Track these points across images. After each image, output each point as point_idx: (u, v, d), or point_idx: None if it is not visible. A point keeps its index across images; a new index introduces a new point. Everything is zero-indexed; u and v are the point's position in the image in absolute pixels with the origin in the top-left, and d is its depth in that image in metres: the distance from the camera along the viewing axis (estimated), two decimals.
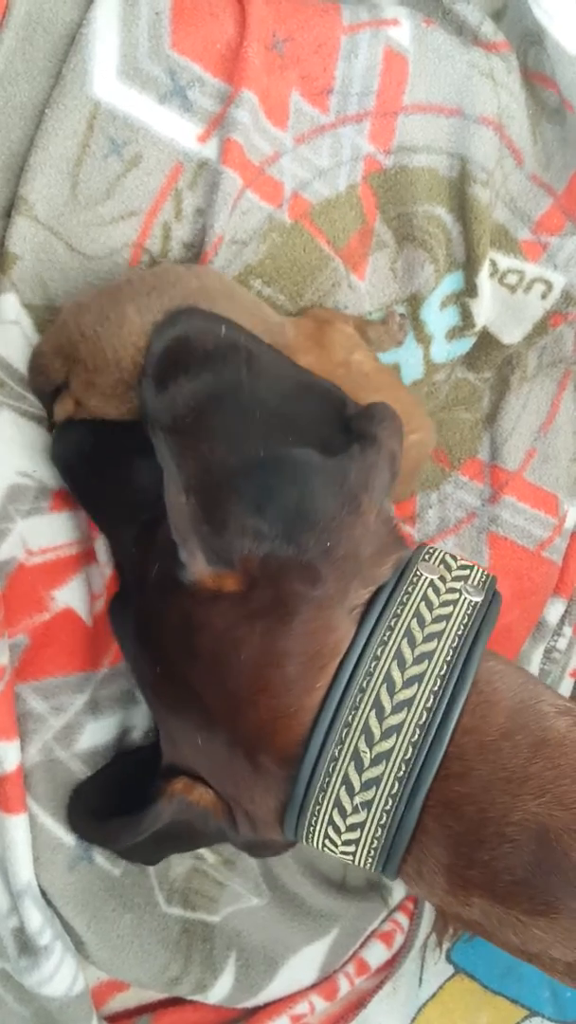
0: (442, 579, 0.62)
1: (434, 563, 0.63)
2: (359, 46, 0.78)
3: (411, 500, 0.94)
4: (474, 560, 0.91)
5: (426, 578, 0.62)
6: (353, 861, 0.60)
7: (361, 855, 0.59)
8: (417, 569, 0.62)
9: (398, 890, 0.91)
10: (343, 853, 0.60)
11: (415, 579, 0.61)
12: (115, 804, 0.71)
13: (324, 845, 0.60)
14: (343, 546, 0.59)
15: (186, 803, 0.64)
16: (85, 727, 0.75)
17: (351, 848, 0.59)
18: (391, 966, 0.89)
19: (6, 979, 0.74)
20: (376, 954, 0.88)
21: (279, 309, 0.80)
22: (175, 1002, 0.81)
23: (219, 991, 0.80)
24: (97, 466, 0.74)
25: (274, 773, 0.59)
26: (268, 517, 0.58)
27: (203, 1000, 0.80)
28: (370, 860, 0.59)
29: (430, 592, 0.61)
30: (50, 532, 0.78)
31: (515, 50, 0.83)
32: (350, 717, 0.57)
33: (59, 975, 0.72)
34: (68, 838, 0.74)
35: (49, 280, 0.76)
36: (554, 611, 0.96)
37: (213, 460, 0.62)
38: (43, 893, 0.73)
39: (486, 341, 0.90)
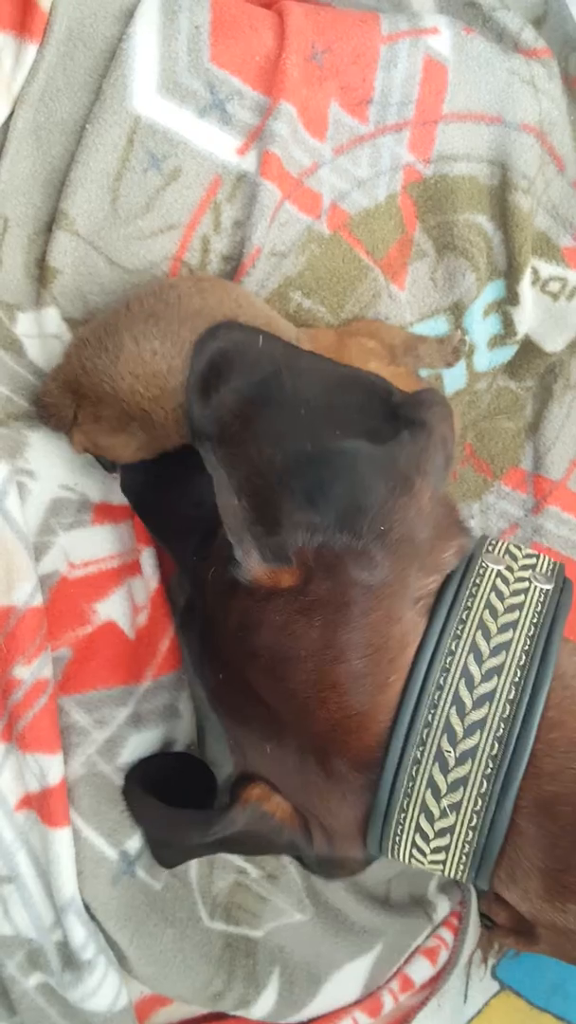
0: (509, 569, 0.61)
1: (499, 554, 0.62)
2: (398, 55, 0.78)
3: None
4: None
5: (492, 569, 0.60)
6: (443, 870, 0.58)
7: (452, 862, 0.57)
8: (482, 560, 0.61)
9: (442, 906, 0.90)
10: (432, 863, 0.58)
11: (481, 570, 0.60)
12: (158, 791, 0.71)
13: (411, 855, 0.58)
14: (397, 529, 0.57)
15: (261, 812, 0.62)
16: (128, 740, 0.75)
17: (440, 856, 0.57)
18: (436, 982, 0.88)
19: (50, 993, 0.74)
20: (421, 970, 0.87)
21: (319, 321, 0.80)
22: (218, 1017, 0.80)
23: (262, 1007, 0.79)
24: (161, 489, 0.74)
25: (351, 780, 0.57)
26: (320, 509, 0.57)
27: (246, 1016, 0.79)
28: (461, 867, 0.57)
29: (499, 582, 0.59)
30: (92, 545, 0.78)
31: (556, 56, 0.83)
32: (430, 716, 0.55)
33: (103, 990, 0.72)
34: (111, 852, 0.74)
35: (89, 294, 0.76)
36: None
37: (262, 461, 0.61)
38: (86, 907, 0.73)
39: (528, 349, 0.90)
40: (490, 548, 0.62)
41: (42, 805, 0.71)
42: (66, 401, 0.72)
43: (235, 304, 0.71)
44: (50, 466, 0.77)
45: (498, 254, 0.83)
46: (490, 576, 0.60)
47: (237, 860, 0.81)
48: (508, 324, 0.85)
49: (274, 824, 0.62)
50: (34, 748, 0.70)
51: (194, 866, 0.78)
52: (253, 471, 0.61)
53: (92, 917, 0.73)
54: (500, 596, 0.58)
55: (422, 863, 0.58)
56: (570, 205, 0.85)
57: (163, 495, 0.74)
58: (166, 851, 0.73)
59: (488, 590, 0.59)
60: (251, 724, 0.62)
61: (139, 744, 0.76)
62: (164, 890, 0.76)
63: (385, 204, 0.80)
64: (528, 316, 0.86)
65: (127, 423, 0.71)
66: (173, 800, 0.68)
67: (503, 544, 0.63)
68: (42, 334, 0.77)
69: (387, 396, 0.66)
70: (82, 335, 0.72)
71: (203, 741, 0.83)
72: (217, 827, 0.63)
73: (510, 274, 0.83)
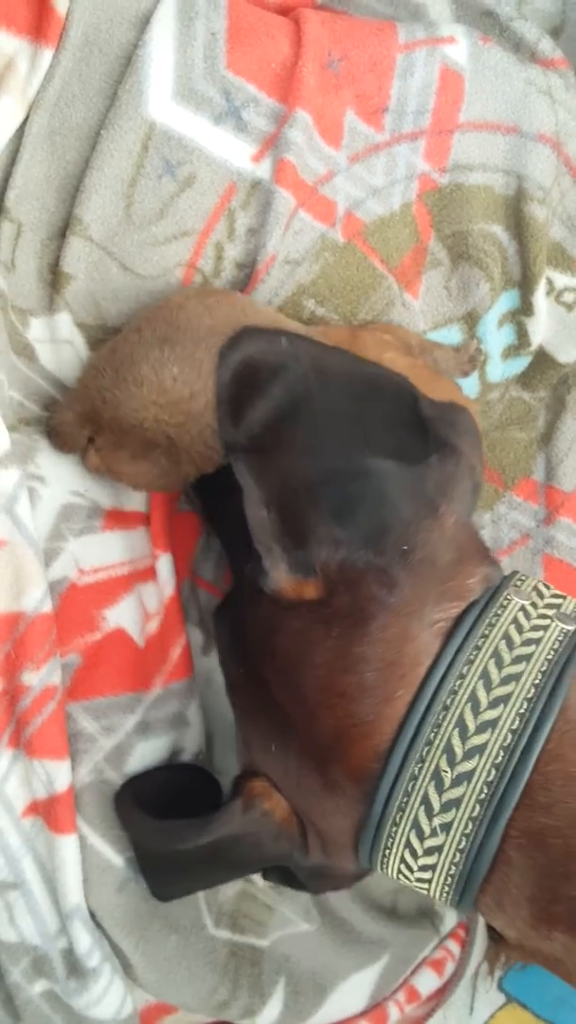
0: (533, 605, 0.60)
1: (526, 590, 0.62)
2: (415, 64, 0.77)
3: None
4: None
5: (516, 603, 0.60)
6: (428, 890, 0.58)
7: (437, 883, 0.57)
8: (508, 594, 0.61)
9: (449, 918, 0.90)
10: (418, 881, 0.58)
11: (505, 602, 0.60)
12: (162, 808, 0.70)
13: (399, 872, 0.58)
14: (420, 550, 0.58)
15: (261, 810, 0.62)
16: (135, 748, 0.75)
17: (427, 875, 0.57)
18: (442, 994, 0.88)
19: (55, 1000, 0.74)
20: (427, 982, 0.87)
21: None
22: None
23: (268, 1016, 0.79)
24: (228, 490, 0.74)
25: (347, 791, 0.58)
26: (346, 524, 0.58)
27: None
28: (446, 889, 0.57)
29: (520, 616, 0.59)
30: (102, 551, 0.78)
31: (573, 67, 0.82)
32: (432, 735, 0.55)
33: (107, 998, 0.72)
34: (117, 859, 0.74)
35: (102, 300, 0.76)
36: None
37: (292, 474, 0.62)
38: (92, 914, 0.72)
39: (541, 360, 0.89)
40: (518, 584, 0.63)
41: (49, 812, 0.71)
42: (83, 431, 0.73)
43: (242, 315, 0.70)
44: (61, 471, 0.77)
45: (512, 264, 0.83)
46: (512, 609, 0.60)
47: None
48: (522, 335, 0.85)
49: (272, 825, 0.62)
50: (41, 755, 0.70)
51: None
52: (283, 483, 0.62)
53: (97, 924, 0.73)
54: (519, 629, 0.58)
55: (408, 880, 0.58)
56: None
57: (229, 497, 0.74)
58: (161, 881, 0.73)
59: (508, 622, 0.59)
60: (261, 721, 0.62)
61: (147, 752, 0.76)
62: None
63: (400, 213, 0.79)
64: (542, 327, 0.85)
65: (150, 451, 0.71)
66: (179, 815, 0.68)
67: (532, 581, 0.63)
68: (54, 339, 0.77)
69: (414, 404, 0.66)
70: (96, 364, 0.72)
71: (212, 750, 0.82)
72: (217, 824, 0.63)
73: (524, 284, 0.83)
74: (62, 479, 0.77)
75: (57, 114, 0.72)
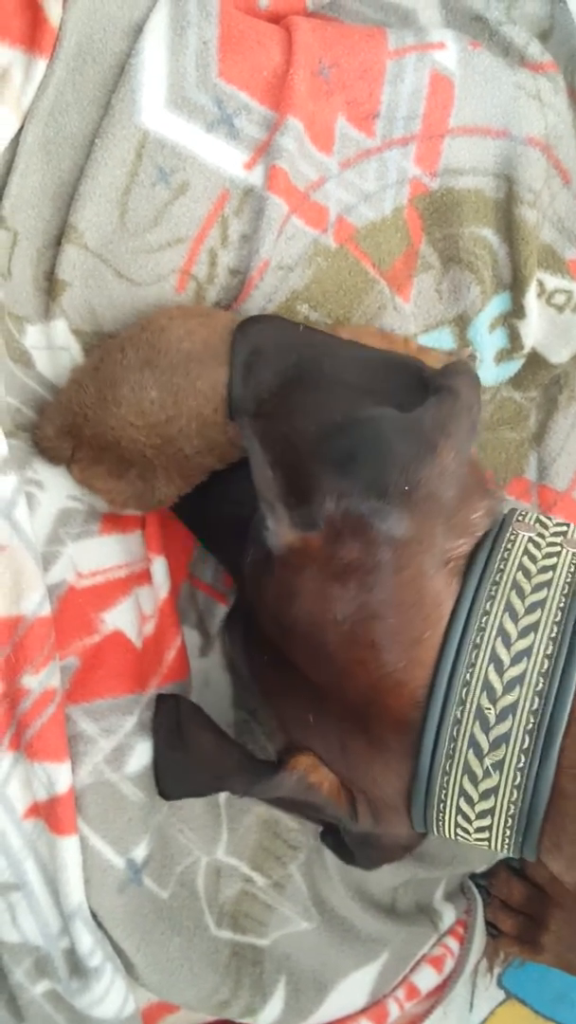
0: (540, 535, 0.61)
1: (529, 522, 0.62)
2: (405, 70, 0.78)
3: None
4: None
5: (523, 536, 0.60)
6: (489, 842, 0.58)
7: (498, 829, 0.56)
8: (513, 528, 0.61)
9: (448, 915, 0.90)
10: (478, 831, 0.57)
11: (513, 536, 0.60)
12: None
13: (456, 824, 0.58)
14: (422, 487, 0.58)
15: (307, 783, 0.62)
16: (135, 749, 0.75)
17: (486, 822, 0.56)
18: (442, 991, 0.89)
19: (57, 1000, 0.74)
20: (426, 979, 0.88)
21: None
22: None
23: (269, 1015, 0.79)
24: (201, 497, 0.76)
25: (393, 746, 0.57)
26: (348, 475, 0.58)
27: (253, 1023, 0.80)
28: (507, 832, 0.56)
29: (530, 547, 0.59)
30: (100, 555, 0.79)
31: (562, 70, 0.83)
32: (468, 675, 0.55)
33: (109, 997, 0.72)
34: (118, 860, 0.74)
35: (97, 306, 0.77)
36: None
37: (296, 434, 0.62)
38: (93, 915, 0.73)
39: (533, 361, 0.90)
40: (520, 518, 0.63)
41: (50, 813, 0.71)
42: (64, 445, 0.75)
43: (220, 340, 0.72)
44: (58, 476, 0.78)
45: (503, 267, 0.83)
46: (521, 542, 0.60)
47: (244, 868, 0.81)
48: (515, 338, 0.86)
49: (319, 797, 0.62)
50: (42, 757, 0.71)
51: (201, 875, 0.79)
52: (288, 445, 0.62)
53: (99, 925, 0.73)
54: (532, 559, 0.59)
55: (467, 831, 0.58)
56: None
57: (204, 502, 0.76)
58: (175, 781, 0.74)
59: (520, 553, 0.59)
60: (293, 699, 0.62)
61: (146, 752, 0.76)
62: (171, 899, 0.77)
63: (391, 217, 0.80)
64: (534, 329, 0.86)
65: (126, 470, 0.73)
66: None
67: (533, 515, 0.64)
68: (51, 346, 0.78)
69: (418, 372, 0.67)
70: (79, 380, 0.74)
71: None
72: (260, 786, 0.63)
73: (515, 287, 0.83)
74: (59, 484, 0.77)
75: (51, 123, 0.73)
